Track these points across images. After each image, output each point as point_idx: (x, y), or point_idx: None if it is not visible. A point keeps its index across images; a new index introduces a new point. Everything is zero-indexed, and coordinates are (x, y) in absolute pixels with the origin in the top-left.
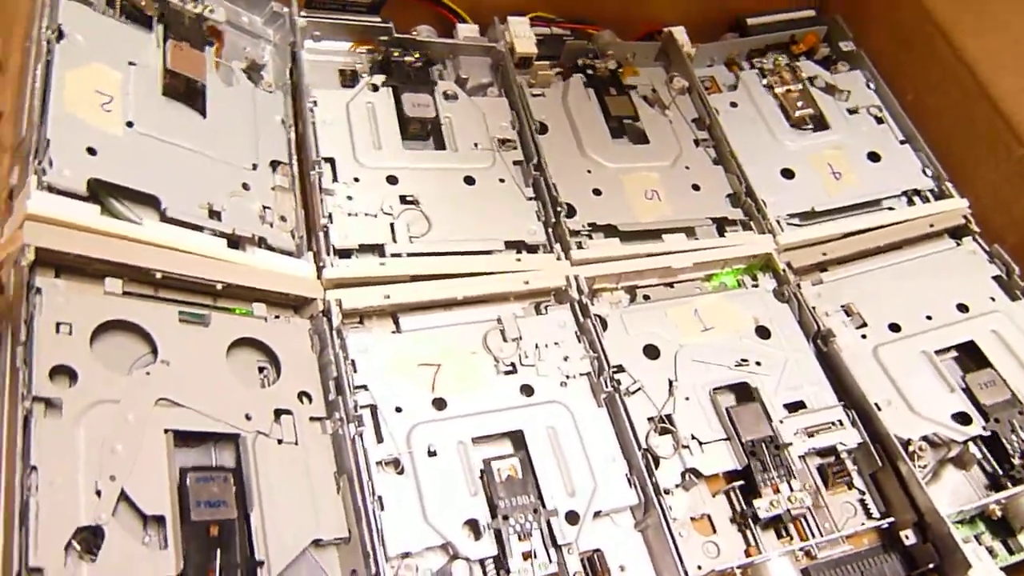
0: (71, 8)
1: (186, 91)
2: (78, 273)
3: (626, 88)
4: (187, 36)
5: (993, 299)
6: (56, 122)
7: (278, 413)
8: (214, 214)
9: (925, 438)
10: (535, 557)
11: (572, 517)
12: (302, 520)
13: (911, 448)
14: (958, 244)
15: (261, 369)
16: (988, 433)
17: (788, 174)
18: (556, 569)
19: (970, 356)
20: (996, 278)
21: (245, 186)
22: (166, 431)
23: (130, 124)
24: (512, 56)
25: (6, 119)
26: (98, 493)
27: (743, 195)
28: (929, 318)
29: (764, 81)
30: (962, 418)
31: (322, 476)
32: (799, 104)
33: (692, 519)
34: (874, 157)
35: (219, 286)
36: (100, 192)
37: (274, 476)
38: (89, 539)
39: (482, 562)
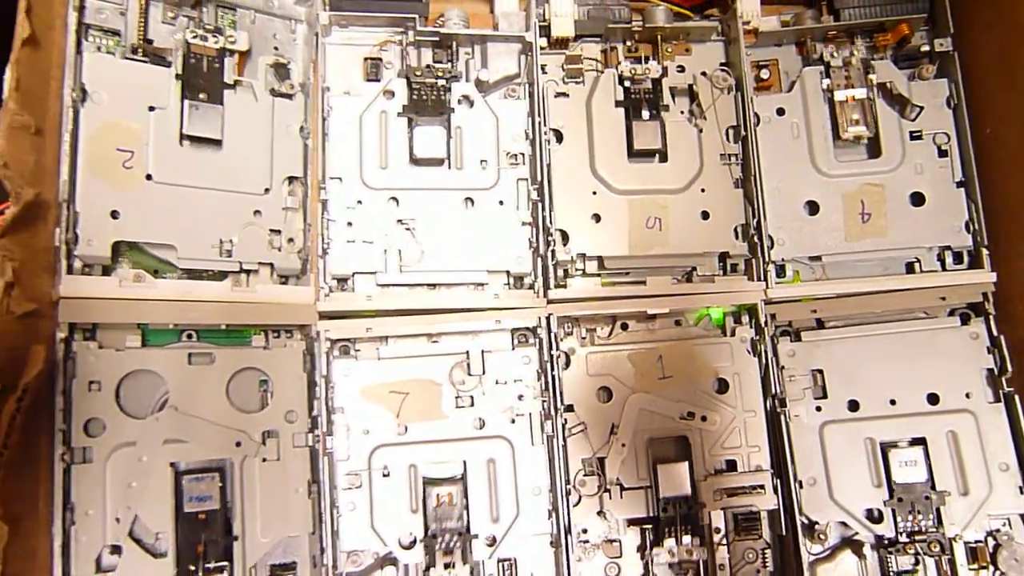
0: (94, 62)
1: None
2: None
3: (661, 109)
4: (206, 87)
5: (969, 395)
6: (83, 196)
7: (266, 434)
8: (225, 251)
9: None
10: (454, 567)
11: (491, 539)
12: (275, 521)
13: (816, 529)
14: (964, 324)
15: (263, 382)
16: (892, 536)
17: (813, 208)
18: None
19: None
20: (989, 371)
21: (257, 213)
22: (171, 464)
23: (149, 177)
24: (548, 37)
25: (49, 175)
26: (117, 520)
27: (752, 229)
28: (893, 403)
29: (825, 83)
30: (875, 515)
31: (297, 482)
32: (854, 118)
33: (605, 541)
34: (918, 199)
35: (223, 326)
36: (123, 249)
37: (255, 488)
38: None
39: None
